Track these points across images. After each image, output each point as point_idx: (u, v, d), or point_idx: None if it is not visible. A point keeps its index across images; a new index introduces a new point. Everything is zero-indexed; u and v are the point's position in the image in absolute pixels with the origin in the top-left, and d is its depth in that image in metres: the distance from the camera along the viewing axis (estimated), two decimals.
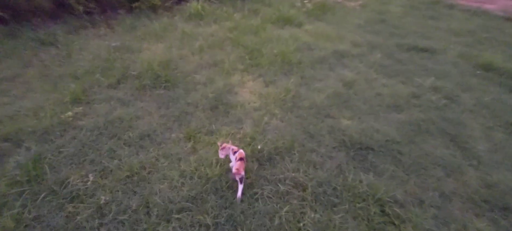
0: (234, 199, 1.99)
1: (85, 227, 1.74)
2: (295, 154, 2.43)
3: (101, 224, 1.76)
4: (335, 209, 1.98)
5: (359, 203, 2.01)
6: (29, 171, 2.05)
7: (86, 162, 2.20)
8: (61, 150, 2.31)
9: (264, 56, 4.08)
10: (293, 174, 2.21)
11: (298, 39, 4.70)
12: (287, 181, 2.15)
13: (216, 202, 1.95)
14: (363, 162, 2.39)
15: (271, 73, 3.71)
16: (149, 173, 2.15)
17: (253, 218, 1.88)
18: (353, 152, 2.48)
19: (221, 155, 2.12)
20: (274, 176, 2.20)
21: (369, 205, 2.00)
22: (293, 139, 2.58)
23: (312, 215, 1.91)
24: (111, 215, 1.81)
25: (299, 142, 2.56)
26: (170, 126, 2.71)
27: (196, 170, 2.20)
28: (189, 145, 2.48)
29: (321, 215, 1.93)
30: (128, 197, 1.95)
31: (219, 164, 2.24)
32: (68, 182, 2.01)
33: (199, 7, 5.70)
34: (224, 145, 2.12)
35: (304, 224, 1.86)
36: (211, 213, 1.88)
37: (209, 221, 1.81)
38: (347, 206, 2.00)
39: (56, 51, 4.12)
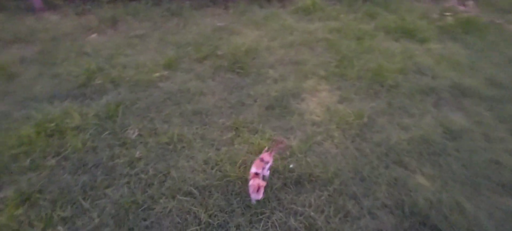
0: (238, 206, 1.87)
1: (116, 170, 2.06)
2: (329, 191, 2.03)
3: (127, 174, 2.03)
4: None
5: None
6: (110, 111, 2.58)
7: (146, 119, 2.57)
8: (137, 102, 2.78)
9: (355, 68, 3.53)
10: (312, 213, 1.86)
11: (411, 58, 3.80)
12: (302, 218, 1.83)
13: (219, 202, 1.89)
14: None
15: (352, 89, 3.18)
16: (182, 147, 2.30)
17: None
18: (408, 223, 1.84)
19: (257, 187, 1.74)
20: (291, 204, 1.92)
21: None
22: (337, 173, 2.16)
23: None
24: (136, 169, 2.06)
25: (342, 179, 2.11)
26: (223, 110, 2.78)
27: (221, 161, 2.19)
28: (229, 135, 2.48)
29: None
30: (156, 160, 2.16)
31: (243, 167, 2.14)
32: (126, 129, 2.41)
33: (310, 1, 5.45)
34: (254, 179, 1.77)
35: None
36: (210, 210, 1.83)
37: (203, 216, 1.78)
38: None
39: (178, 21, 4.92)
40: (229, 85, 3.16)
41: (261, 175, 1.84)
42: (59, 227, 1.64)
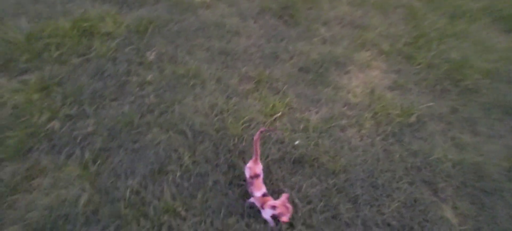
0: (224, 163, 1.82)
1: (126, 87, 2.14)
2: (328, 184, 1.82)
3: (135, 94, 2.11)
4: None
5: None
6: (141, 26, 2.60)
7: (172, 44, 2.54)
8: (169, 23, 2.74)
9: (431, 52, 2.86)
10: (297, 200, 1.71)
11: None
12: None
13: (208, 152, 1.85)
14: None
15: (414, 77, 2.64)
16: (195, 84, 2.25)
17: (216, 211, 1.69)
18: None
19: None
20: (279, 182, 1.79)
21: None
22: (346, 168, 1.91)
23: None
24: (144, 92, 2.12)
25: (349, 177, 1.87)
26: (252, 58, 2.59)
27: (226, 111, 2.10)
28: (247, 86, 2.34)
29: None
30: (165, 89, 2.17)
31: (246, 126, 2.03)
32: (148, 49, 2.43)
33: None
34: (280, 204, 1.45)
35: None
36: (195, 156, 1.83)
37: (186, 159, 1.79)
38: None
39: None
40: (270, 33, 2.88)
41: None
42: (55, 122, 1.83)
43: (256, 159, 1.56)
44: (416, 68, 2.73)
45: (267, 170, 1.81)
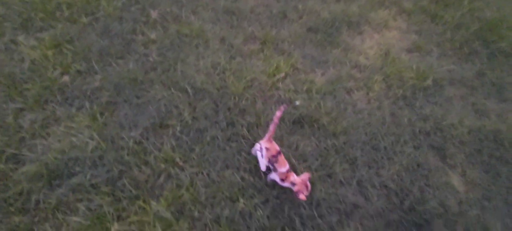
0: (223, 120, 1.89)
1: (132, 45, 2.23)
2: (327, 144, 1.84)
3: (139, 52, 2.20)
4: None
5: None
6: None
7: (177, 4, 2.56)
8: None
9: (461, 10, 2.66)
10: (293, 159, 1.76)
11: None
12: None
13: (207, 109, 1.93)
14: None
15: (437, 38, 2.49)
16: (197, 44, 2.29)
17: (213, 163, 1.79)
18: (397, 216, 1.61)
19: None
20: (277, 140, 1.83)
21: None
22: (347, 130, 1.91)
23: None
24: (148, 50, 2.21)
25: (349, 139, 1.88)
26: (259, 18, 2.56)
27: (229, 70, 2.14)
28: (252, 47, 2.35)
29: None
30: (168, 48, 2.24)
31: (248, 85, 2.06)
32: (153, 8, 2.48)
33: None
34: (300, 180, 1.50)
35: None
36: (195, 113, 1.91)
37: (186, 115, 1.88)
38: None
39: None
40: None
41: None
42: (66, 76, 1.99)
43: (270, 138, 1.58)
44: (441, 28, 2.56)
45: (266, 129, 1.86)
